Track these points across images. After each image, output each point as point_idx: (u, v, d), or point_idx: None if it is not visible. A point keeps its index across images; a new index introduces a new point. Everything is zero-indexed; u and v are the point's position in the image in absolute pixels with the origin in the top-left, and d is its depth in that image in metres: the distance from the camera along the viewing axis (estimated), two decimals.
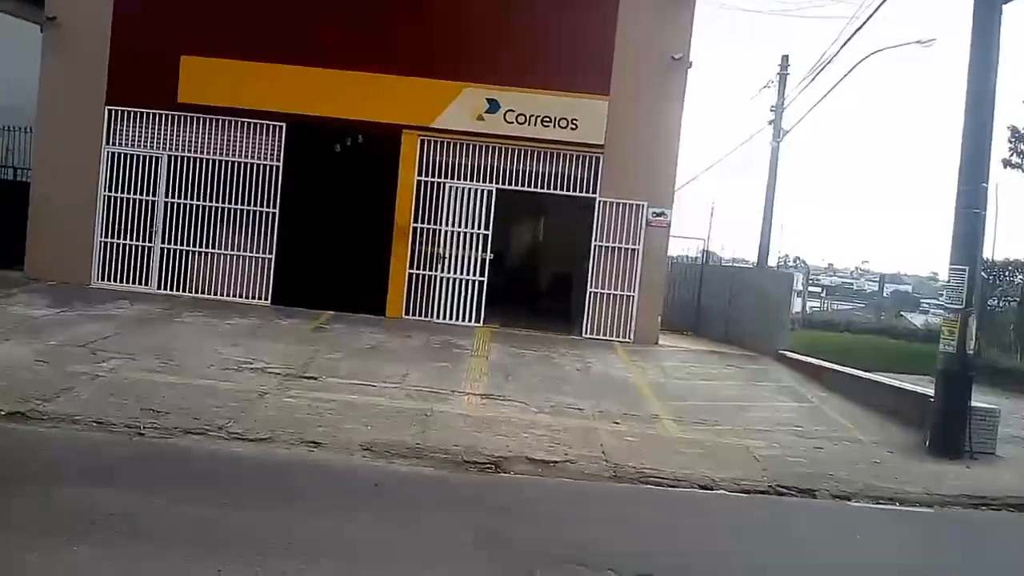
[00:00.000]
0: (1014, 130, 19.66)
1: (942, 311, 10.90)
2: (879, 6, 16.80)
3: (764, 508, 7.80)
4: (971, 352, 10.10)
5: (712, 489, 8.01)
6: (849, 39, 19.66)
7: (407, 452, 8.00)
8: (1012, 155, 19.77)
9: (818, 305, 38.86)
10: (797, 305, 27.00)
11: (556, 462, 8.17)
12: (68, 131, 15.23)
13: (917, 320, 30.29)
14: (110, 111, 15.32)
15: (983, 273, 12.81)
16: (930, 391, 10.54)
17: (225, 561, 5.23)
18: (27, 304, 13.15)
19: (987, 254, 14.48)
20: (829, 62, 21.41)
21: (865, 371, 13.43)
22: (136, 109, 15.31)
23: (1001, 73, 10.17)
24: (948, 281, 10.42)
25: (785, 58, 26.77)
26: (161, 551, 5.30)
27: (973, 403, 10.06)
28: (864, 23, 17.93)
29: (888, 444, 10.19)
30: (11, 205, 15.57)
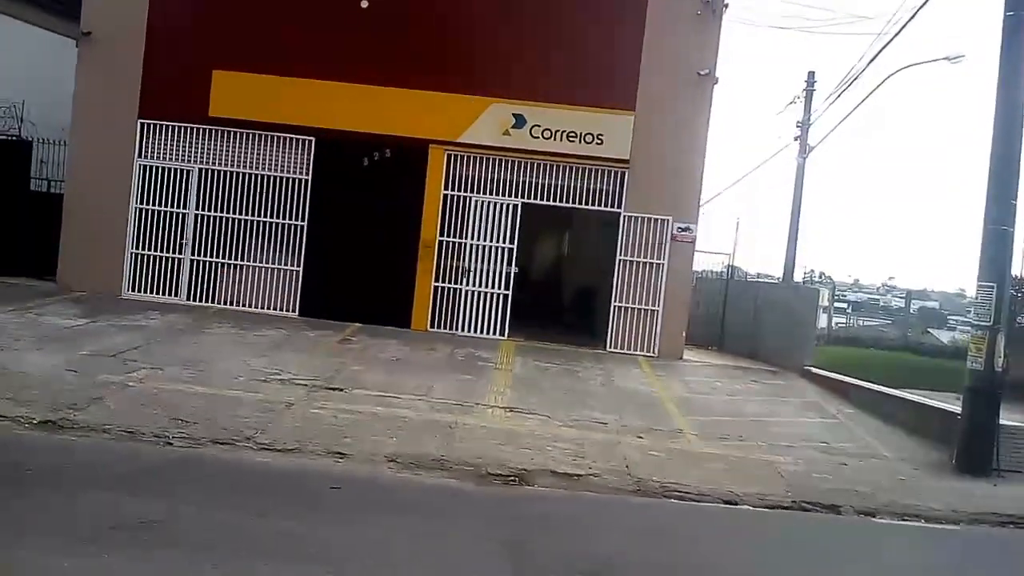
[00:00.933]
0: None
1: (969, 328, 10.82)
2: (906, 24, 16.73)
3: (788, 524, 7.78)
4: (999, 369, 10.02)
5: (736, 504, 8.00)
6: (876, 55, 19.59)
7: (432, 464, 8.06)
8: None
9: (844, 321, 38.56)
10: (823, 321, 26.77)
11: (580, 475, 8.20)
12: (101, 144, 15.49)
13: (944, 337, 30.02)
14: (142, 124, 15.58)
15: (1012, 290, 12.70)
16: (957, 408, 10.47)
17: (252, 568, 5.31)
18: (58, 314, 13.37)
19: (1016, 271, 14.34)
20: (856, 78, 21.35)
21: (891, 387, 13.35)
22: (168, 123, 15.56)
23: None
24: (976, 298, 10.37)
25: (811, 74, 26.71)
26: (190, 558, 5.38)
27: (1001, 421, 9.99)
28: (891, 40, 17.88)
29: (913, 461, 10.14)
30: (44, 217, 15.82)
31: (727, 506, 7.96)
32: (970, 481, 9.51)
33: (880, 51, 18.83)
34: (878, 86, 22.34)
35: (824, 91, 34.89)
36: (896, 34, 17.40)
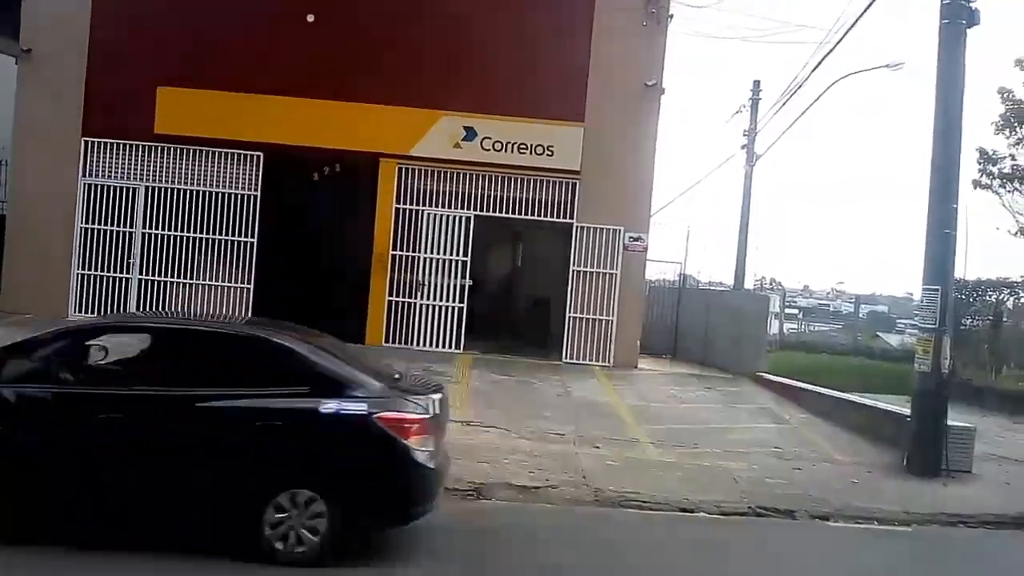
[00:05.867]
0: (983, 152, 20.00)
1: (917, 331, 11.01)
2: (845, 34, 16.99)
3: (744, 530, 7.85)
4: (946, 371, 10.23)
5: (693, 512, 8.06)
6: (818, 64, 19.83)
7: None
8: (981, 176, 20.10)
9: (795, 327, 39.04)
10: (774, 327, 27.13)
11: (538, 487, 8.20)
12: (44, 163, 15.17)
13: (893, 340, 30.46)
14: (86, 142, 15.29)
15: (956, 293, 12.98)
16: (907, 411, 10.65)
17: None
18: (2, 338, 12.97)
19: (959, 274, 14.65)
20: (800, 87, 21.59)
21: (842, 392, 13.54)
22: (113, 140, 15.27)
23: (968, 95, 10.39)
24: (921, 301, 10.55)
25: (756, 83, 27.02)
26: None
27: (949, 422, 10.18)
28: (832, 49, 18.15)
29: (866, 464, 10.29)
30: None
31: (684, 514, 8.02)
32: (921, 482, 9.66)
33: (823, 60, 19.05)
34: (821, 94, 22.90)
35: (770, 100, 35.39)
36: (838, 42, 17.59)
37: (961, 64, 10.26)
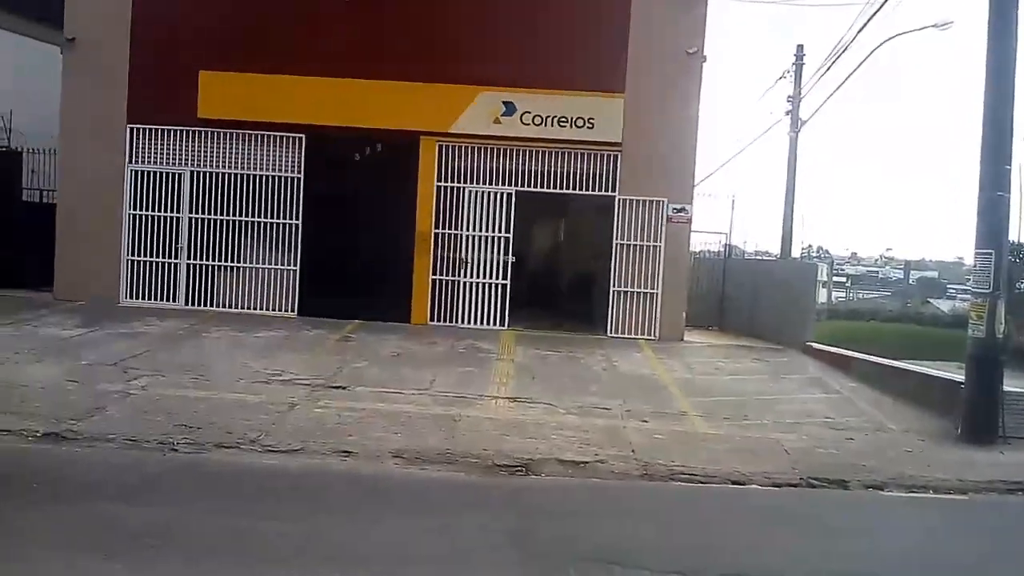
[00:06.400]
0: None
1: (969, 296, 10.80)
2: None
3: (797, 501, 7.78)
4: (1001, 336, 10.01)
5: (743, 484, 7.99)
6: (864, 25, 19.51)
7: (437, 458, 8.04)
8: None
9: (843, 295, 38.61)
10: (822, 296, 26.83)
11: (586, 462, 8.18)
12: (91, 150, 15.41)
13: (944, 306, 30.04)
14: (132, 129, 15.50)
15: (1010, 256, 12.68)
16: (960, 377, 10.44)
17: (261, 572, 5.30)
18: (57, 325, 13.34)
19: (1013, 237, 14.31)
20: (845, 50, 21.30)
21: (893, 359, 13.34)
22: (158, 127, 15.49)
23: (1021, 53, 10.09)
24: (974, 266, 10.33)
25: (800, 47, 26.64)
26: (196, 564, 5.37)
27: (1005, 387, 9.97)
28: (878, 9, 17.80)
29: (919, 432, 10.13)
30: (38, 227, 15.78)
31: (735, 486, 7.95)
32: (976, 450, 9.49)
33: (868, 21, 18.76)
34: (867, 56, 22.31)
35: (814, 64, 34.80)
36: (883, 2, 17.26)
37: (1013, 19, 9.95)
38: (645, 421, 9.89)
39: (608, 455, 8.43)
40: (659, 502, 7.55)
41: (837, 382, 12.82)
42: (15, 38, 18.55)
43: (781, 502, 7.72)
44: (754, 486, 7.97)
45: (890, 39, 22.56)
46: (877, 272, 66.09)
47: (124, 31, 15.35)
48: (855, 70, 22.44)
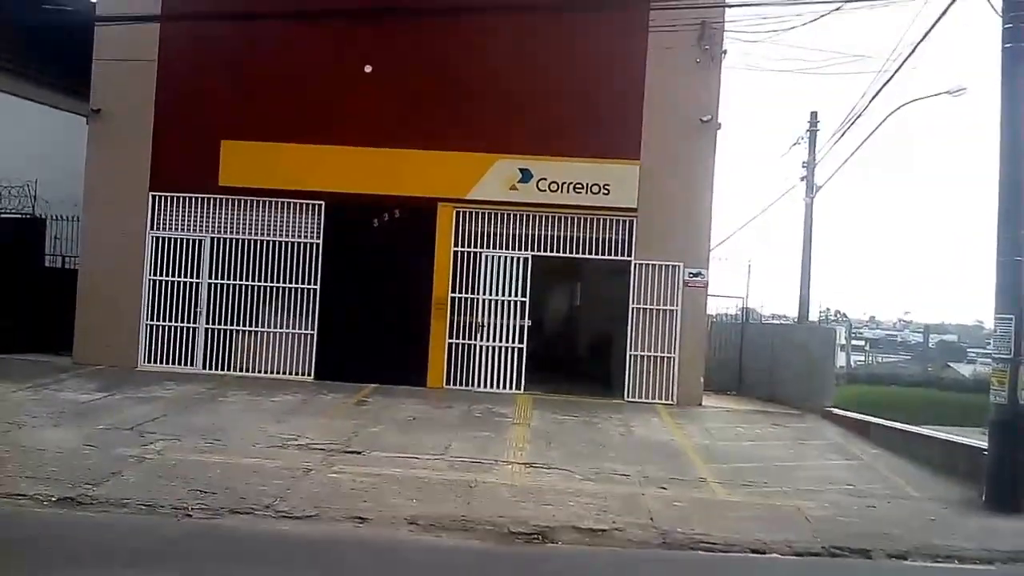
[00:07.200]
0: None
1: (990, 360, 10.70)
2: (905, 59, 16.70)
3: (819, 571, 7.63)
4: (1023, 402, 9.89)
5: (765, 553, 7.84)
6: (877, 93, 19.65)
7: (452, 525, 7.95)
8: None
9: (862, 359, 38.30)
10: (841, 360, 26.62)
11: (604, 530, 8.07)
12: (114, 218, 15.67)
13: (965, 370, 29.74)
14: (154, 197, 15.76)
15: None
16: (983, 443, 10.29)
17: None
18: (75, 389, 13.40)
19: None
20: (859, 116, 21.36)
21: (914, 425, 13.18)
22: (179, 194, 15.75)
23: None
24: (995, 331, 10.25)
25: (814, 114, 26.83)
26: None
27: None
28: (891, 77, 17.95)
29: (942, 500, 9.95)
30: (59, 292, 15.97)
31: (756, 555, 7.80)
32: (1001, 518, 9.30)
33: (881, 88, 18.88)
34: (881, 122, 22.43)
35: (828, 130, 35.01)
36: (896, 70, 17.39)
37: None
38: (664, 488, 9.77)
39: (626, 523, 8.31)
40: (679, 571, 7.43)
41: (858, 448, 12.66)
42: (37, 107, 19.01)
43: (803, 572, 7.58)
44: (775, 555, 7.82)
45: (903, 105, 22.72)
46: (896, 336, 65.61)
47: (148, 102, 15.71)
48: (870, 136, 22.56)
